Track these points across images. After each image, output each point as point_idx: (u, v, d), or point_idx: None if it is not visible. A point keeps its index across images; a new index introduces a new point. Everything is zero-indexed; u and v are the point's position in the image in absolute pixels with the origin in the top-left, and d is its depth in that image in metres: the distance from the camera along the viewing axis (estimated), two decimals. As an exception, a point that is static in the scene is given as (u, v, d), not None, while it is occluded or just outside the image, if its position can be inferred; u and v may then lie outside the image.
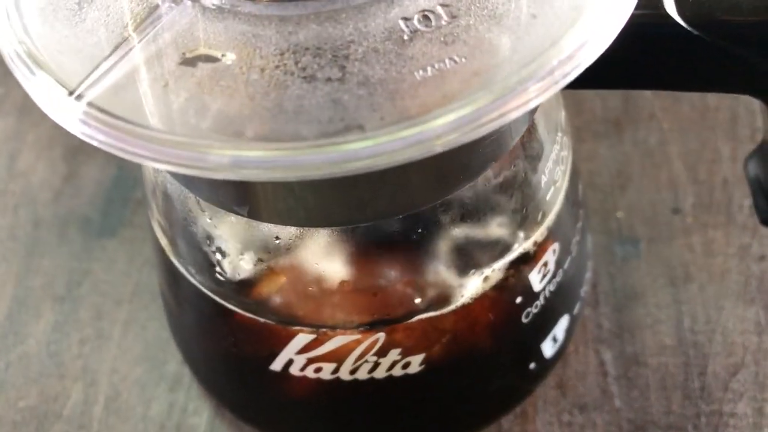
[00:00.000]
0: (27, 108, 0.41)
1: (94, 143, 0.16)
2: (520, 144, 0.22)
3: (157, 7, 0.17)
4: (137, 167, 0.36)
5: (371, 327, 0.23)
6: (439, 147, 0.15)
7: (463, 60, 0.16)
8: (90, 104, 0.16)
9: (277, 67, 0.16)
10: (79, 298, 0.35)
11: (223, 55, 0.16)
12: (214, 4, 0.17)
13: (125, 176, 0.38)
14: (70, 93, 0.16)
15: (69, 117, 0.16)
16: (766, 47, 0.21)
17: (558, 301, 0.27)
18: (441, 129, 0.15)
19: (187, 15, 0.17)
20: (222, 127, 0.16)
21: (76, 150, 0.39)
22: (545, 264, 0.25)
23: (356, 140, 0.15)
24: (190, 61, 0.16)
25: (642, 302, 0.32)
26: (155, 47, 0.17)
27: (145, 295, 0.34)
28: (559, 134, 0.25)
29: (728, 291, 0.32)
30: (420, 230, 0.22)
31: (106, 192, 0.38)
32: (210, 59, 0.16)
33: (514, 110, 0.15)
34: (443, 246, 0.23)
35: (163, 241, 0.25)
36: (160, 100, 0.16)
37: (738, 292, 0.32)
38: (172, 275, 0.26)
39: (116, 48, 0.17)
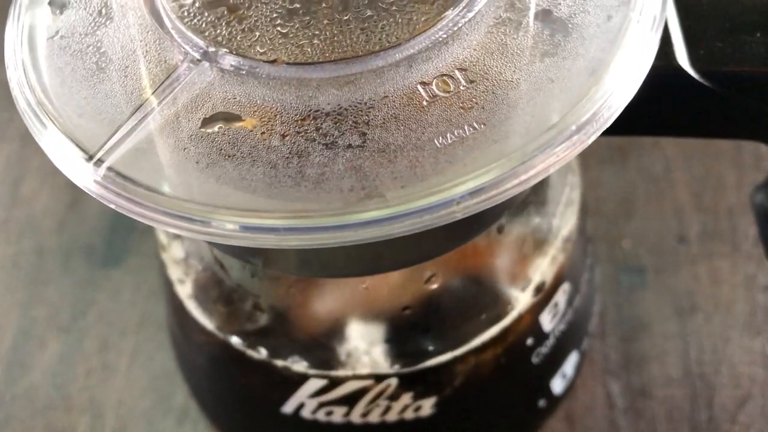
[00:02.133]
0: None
1: (112, 206, 0.16)
2: (532, 190, 0.22)
3: (175, 68, 0.17)
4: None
5: (385, 372, 0.23)
6: (459, 214, 0.15)
7: (482, 126, 0.16)
8: (109, 169, 0.16)
9: (298, 132, 0.16)
10: (84, 329, 0.35)
11: (243, 120, 0.16)
12: (232, 66, 0.17)
13: (130, 204, 0.38)
14: (90, 157, 0.16)
15: (88, 181, 0.16)
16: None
17: (568, 339, 0.27)
18: (461, 197, 0.15)
19: (205, 77, 0.17)
20: (244, 191, 0.16)
21: (80, 177, 0.39)
22: (555, 305, 0.25)
23: (377, 208, 0.15)
24: (209, 126, 0.16)
25: (648, 333, 0.33)
26: (174, 110, 0.17)
27: (151, 326, 0.34)
28: (570, 176, 0.25)
29: (734, 322, 0.33)
30: (432, 277, 0.22)
31: (111, 220, 0.38)
32: (230, 123, 0.16)
33: (533, 178, 0.16)
34: (456, 292, 0.23)
35: (177, 287, 0.25)
36: (179, 166, 0.16)
37: (744, 322, 0.33)
38: (182, 315, 0.26)
39: (135, 110, 0.17)
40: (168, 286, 0.26)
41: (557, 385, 0.27)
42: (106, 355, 0.34)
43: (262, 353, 0.23)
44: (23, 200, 0.39)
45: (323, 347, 0.23)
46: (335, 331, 0.23)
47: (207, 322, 0.24)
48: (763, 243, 0.28)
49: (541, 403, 0.27)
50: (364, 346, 0.23)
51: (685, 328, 0.33)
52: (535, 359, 0.25)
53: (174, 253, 0.26)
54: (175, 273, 0.25)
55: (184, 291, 0.25)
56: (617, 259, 0.35)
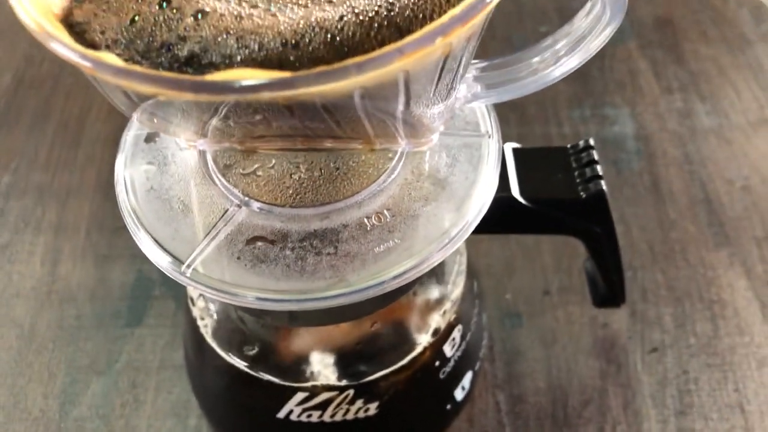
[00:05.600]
0: (62, 226, 0.53)
1: (197, 291, 0.29)
2: (433, 268, 0.36)
3: (226, 210, 0.31)
4: (154, 272, 0.49)
5: (345, 385, 0.36)
6: (388, 288, 0.29)
7: (399, 241, 0.30)
8: (194, 270, 0.29)
9: (300, 247, 0.29)
10: (117, 372, 0.47)
11: (269, 240, 0.30)
12: (259, 209, 0.30)
13: (144, 278, 0.51)
14: (181, 263, 0.29)
15: (182, 279, 0.29)
16: (572, 212, 0.35)
17: (464, 362, 0.40)
18: (390, 279, 0.29)
19: (244, 215, 0.30)
20: (272, 281, 0.29)
21: (104, 259, 0.52)
22: (453, 339, 0.39)
23: (344, 288, 0.29)
24: (251, 242, 0.30)
25: (524, 358, 0.47)
26: (229, 235, 0.30)
27: (168, 369, 0.47)
28: (458, 256, 0.39)
29: (582, 349, 0.47)
30: (374, 323, 0.36)
31: (131, 290, 0.50)
32: (262, 241, 0.30)
33: (429, 267, 0.29)
34: (388, 332, 0.36)
35: (202, 330, 0.38)
36: (235, 267, 0.29)
37: (588, 350, 0.47)
38: (202, 348, 0.38)
39: (206, 235, 0.30)
40: (193, 326, 0.39)
41: (459, 394, 0.41)
42: (135, 391, 0.46)
43: (265, 375, 0.36)
44: (61, 278, 0.51)
45: (307, 370, 0.36)
46: (315, 359, 0.36)
47: (223, 353, 0.37)
48: (591, 296, 0.42)
49: (448, 407, 0.41)
50: (334, 368, 0.36)
51: (549, 355, 0.47)
52: (441, 376, 0.39)
53: (199, 304, 0.39)
54: (199, 318, 0.38)
55: (207, 331, 0.38)
56: (502, 307, 0.49)
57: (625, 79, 0.61)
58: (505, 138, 0.33)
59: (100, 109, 0.60)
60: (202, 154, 0.32)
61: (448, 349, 0.39)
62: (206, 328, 0.38)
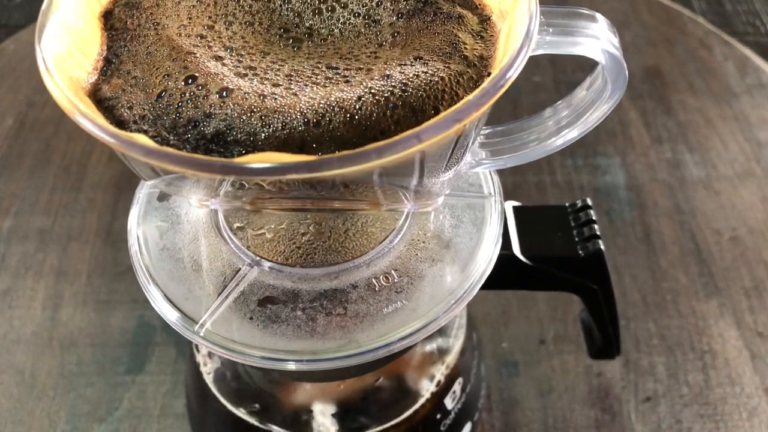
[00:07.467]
0: (62, 271, 0.54)
1: (210, 349, 0.30)
2: (436, 324, 0.37)
3: (238, 269, 0.31)
4: (155, 318, 0.49)
5: (348, 438, 0.37)
6: (396, 349, 0.30)
7: (407, 302, 0.31)
8: (206, 329, 0.30)
9: (311, 307, 0.30)
10: (118, 420, 0.47)
11: (280, 301, 0.31)
12: (269, 268, 0.31)
13: (145, 324, 0.51)
14: (195, 323, 0.30)
15: (195, 338, 0.30)
16: (569, 269, 0.36)
17: (463, 414, 0.41)
18: (396, 341, 0.30)
19: (257, 273, 0.31)
20: (283, 341, 0.30)
21: (105, 304, 0.52)
22: (454, 391, 0.40)
23: (354, 348, 0.29)
24: (263, 303, 0.31)
25: (520, 408, 0.47)
26: (241, 294, 0.31)
27: (169, 416, 0.47)
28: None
29: (577, 398, 0.48)
30: (379, 378, 0.37)
31: (132, 337, 0.51)
32: (273, 302, 0.31)
33: (435, 327, 0.30)
34: (391, 386, 0.37)
35: (205, 376, 0.39)
36: (247, 327, 0.30)
37: (583, 399, 0.48)
38: (205, 396, 0.39)
39: (219, 294, 0.31)
40: (196, 372, 0.39)
41: (458, 445, 0.42)
42: (136, 439, 0.46)
43: (269, 426, 0.37)
44: (62, 323, 0.51)
45: (311, 423, 0.37)
46: (319, 411, 0.36)
47: (226, 402, 0.38)
48: (587, 347, 0.43)
49: (448, 457, 0.41)
50: (338, 421, 0.37)
51: (545, 404, 0.48)
52: (442, 428, 0.39)
53: (203, 351, 0.39)
54: (203, 365, 0.39)
55: (210, 378, 0.39)
56: (498, 356, 0.50)
57: (616, 128, 0.62)
58: (500, 186, 0.34)
59: (101, 153, 0.61)
60: (214, 212, 0.33)
61: (449, 402, 0.39)
62: (209, 375, 0.39)
